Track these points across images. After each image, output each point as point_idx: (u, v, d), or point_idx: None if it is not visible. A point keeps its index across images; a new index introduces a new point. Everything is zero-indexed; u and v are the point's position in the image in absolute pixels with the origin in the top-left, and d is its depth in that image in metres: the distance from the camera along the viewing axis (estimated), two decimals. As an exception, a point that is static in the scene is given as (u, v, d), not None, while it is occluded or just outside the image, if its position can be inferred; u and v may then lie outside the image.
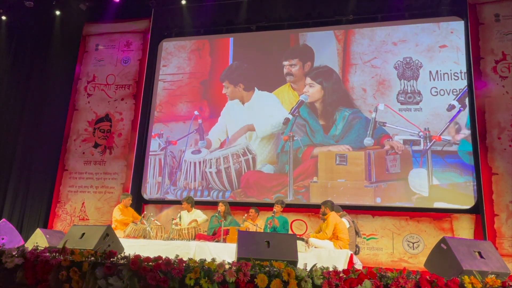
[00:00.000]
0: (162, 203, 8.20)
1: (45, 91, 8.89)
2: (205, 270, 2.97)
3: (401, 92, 7.57)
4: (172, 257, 3.17)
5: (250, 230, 5.80)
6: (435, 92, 7.41)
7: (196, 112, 8.46)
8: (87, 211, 8.15)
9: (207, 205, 7.56)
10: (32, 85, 8.98)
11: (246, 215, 6.18)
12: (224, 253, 4.97)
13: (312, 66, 8.11)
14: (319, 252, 4.96)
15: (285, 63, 8.27)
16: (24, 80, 8.99)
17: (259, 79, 8.35)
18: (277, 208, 6.23)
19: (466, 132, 7.08)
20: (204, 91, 8.58)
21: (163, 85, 8.82)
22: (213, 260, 3.09)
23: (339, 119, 7.72)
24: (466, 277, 2.73)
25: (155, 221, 6.12)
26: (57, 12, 8.90)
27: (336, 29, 8.17)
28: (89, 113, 8.71)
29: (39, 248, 3.62)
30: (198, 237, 5.68)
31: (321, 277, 2.85)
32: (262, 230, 5.99)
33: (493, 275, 2.84)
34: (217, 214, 6.29)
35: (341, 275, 2.87)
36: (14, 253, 3.49)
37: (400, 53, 7.75)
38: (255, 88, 8.32)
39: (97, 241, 3.98)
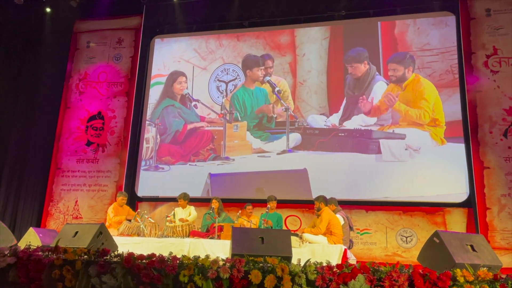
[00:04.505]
0: (156, 200, 8.18)
1: (36, 89, 8.79)
2: (199, 267, 2.97)
3: (393, 87, 7.61)
4: (166, 254, 3.17)
5: (245, 226, 5.79)
6: (427, 87, 7.44)
7: (189, 109, 8.44)
8: (80, 209, 8.11)
9: (203, 202, 7.54)
10: (23, 83, 8.87)
11: (240, 211, 6.17)
12: (219, 249, 4.97)
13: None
14: (313, 248, 4.97)
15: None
16: (15, 78, 8.87)
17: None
18: (271, 204, 6.23)
19: (458, 127, 7.13)
20: (197, 87, 8.55)
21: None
22: (207, 256, 3.09)
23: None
24: (458, 270, 2.76)
25: (149, 219, 6.09)
26: (48, 9, 8.80)
27: (329, 25, 8.18)
28: (81, 111, 8.64)
29: (32, 247, 3.60)
30: (192, 234, 5.67)
31: (315, 272, 2.86)
32: (256, 227, 5.98)
33: (485, 268, 2.86)
34: (210, 211, 6.26)
35: (334, 270, 2.88)
36: (6, 252, 3.46)
37: (393, 48, 7.78)
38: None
39: (90, 240, 3.95)
